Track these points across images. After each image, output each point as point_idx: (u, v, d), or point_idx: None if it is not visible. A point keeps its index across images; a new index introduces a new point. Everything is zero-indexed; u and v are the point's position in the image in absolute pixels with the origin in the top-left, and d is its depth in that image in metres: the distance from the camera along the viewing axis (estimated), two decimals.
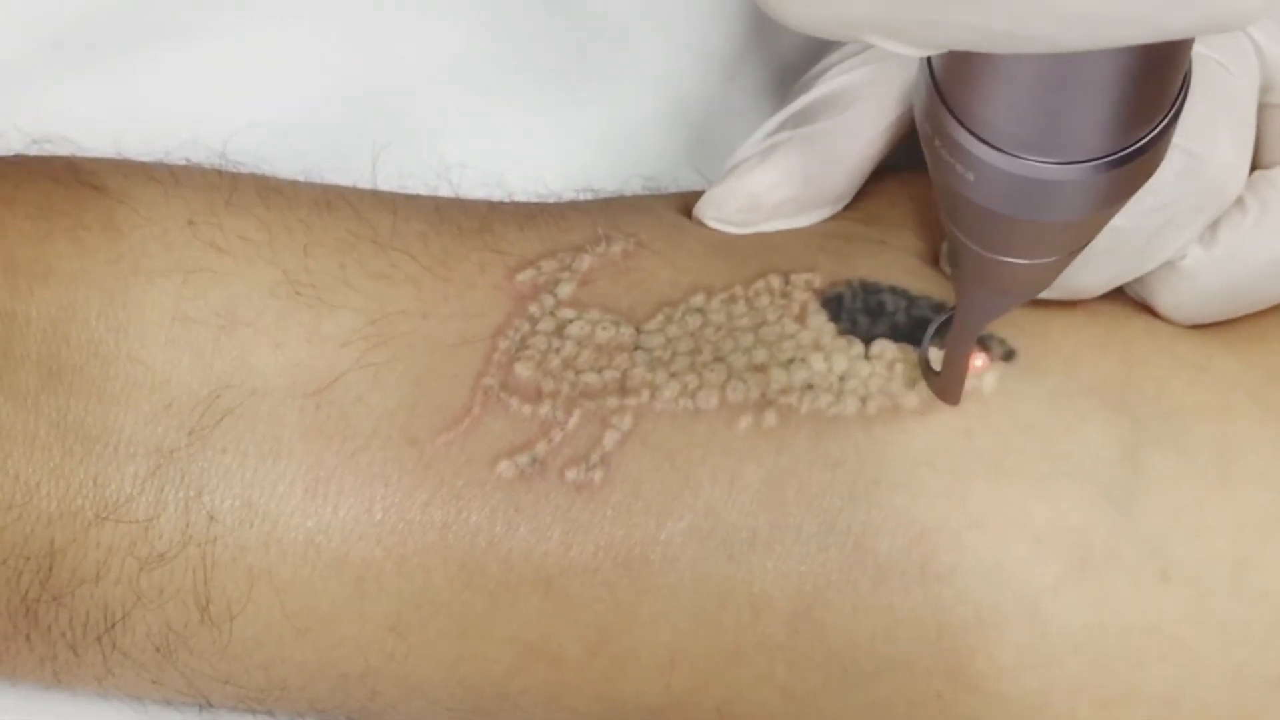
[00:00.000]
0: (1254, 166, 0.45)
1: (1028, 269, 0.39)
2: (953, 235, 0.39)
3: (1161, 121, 0.35)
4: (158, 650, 0.45)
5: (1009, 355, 0.45)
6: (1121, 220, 0.43)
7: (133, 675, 0.46)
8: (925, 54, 0.32)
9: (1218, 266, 0.44)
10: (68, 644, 0.45)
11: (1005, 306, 0.41)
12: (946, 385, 0.44)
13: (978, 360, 0.45)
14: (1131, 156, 0.35)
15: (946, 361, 0.44)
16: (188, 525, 0.44)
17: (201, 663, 0.45)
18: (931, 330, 0.44)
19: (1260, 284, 0.45)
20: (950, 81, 0.35)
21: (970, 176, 0.36)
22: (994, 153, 0.35)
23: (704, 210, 0.48)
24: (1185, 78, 0.35)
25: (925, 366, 0.44)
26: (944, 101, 0.35)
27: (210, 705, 0.47)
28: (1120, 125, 0.35)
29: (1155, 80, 0.34)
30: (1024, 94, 0.34)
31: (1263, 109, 0.45)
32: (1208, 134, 0.43)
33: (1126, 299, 0.46)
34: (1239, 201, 0.44)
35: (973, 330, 0.42)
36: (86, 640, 0.45)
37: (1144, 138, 0.35)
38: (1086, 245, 0.39)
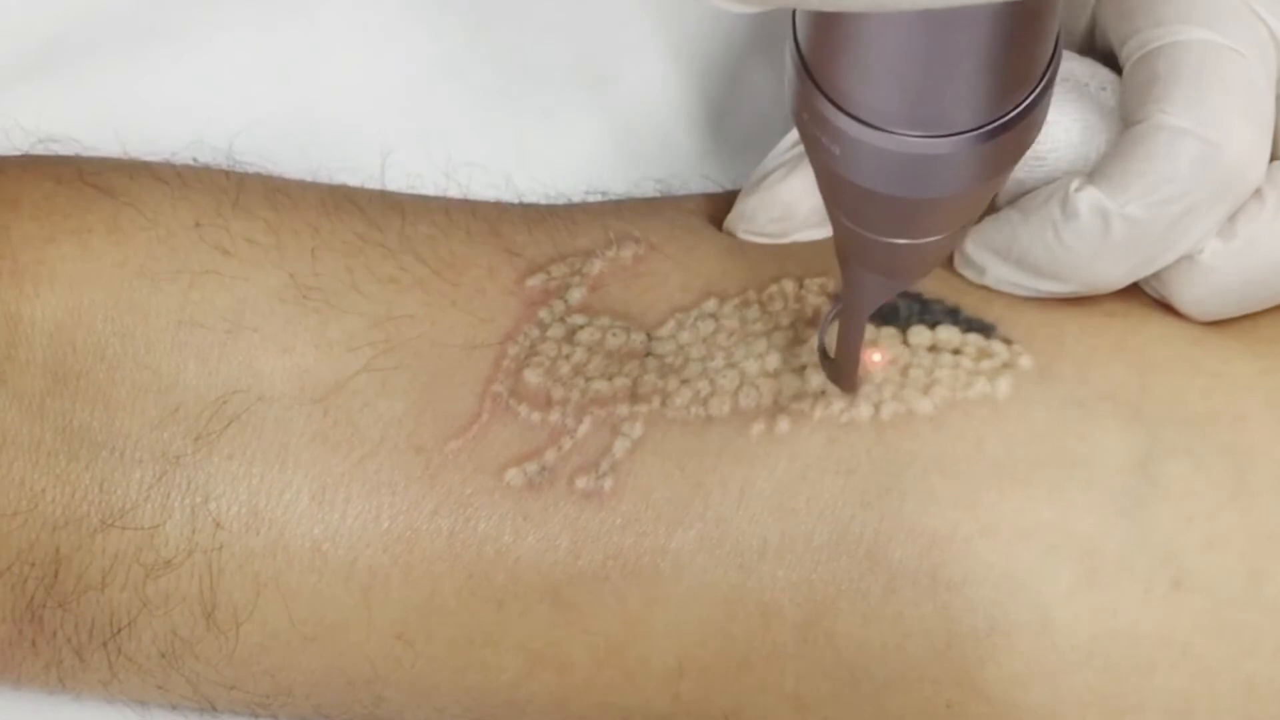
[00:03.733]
0: (1271, 157, 0.45)
1: (911, 249, 0.38)
2: (833, 217, 0.38)
3: (1033, 91, 0.34)
4: (163, 656, 0.45)
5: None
6: (1139, 211, 0.43)
7: (138, 680, 0.45)
8: (752, 9, 0.31)
9: (1236, 259, 0.44)
10: (73, 649, 0.45)
11: (894, 289, 0.40)
12: (840, 373, 0.44)
13: (875, 356, 0.45)
14: (1003, 128, 0.34)
15: (839, 348, 0.43)
16: (194, 532, 0.44)
17: (207, 669, 0.45)
18: (828, 317, 0.43)
19: (1278, 276, 0.45)
20: (817, 56, 0.34)
21: (837, 151, 0.35)
22: (863, 128, 0.34)
23: (735, 223, 0.48)
24: (1056, 43, 0.34)
25: (822, 354, 0.44)
26: (811, 77, 0.34)
27: (215, 710, 0.47)
28: (989, 96, 0.34)
29: (1021, 46, 0.33)
30: (888, 65, 0.33)
31: (1278, 99, 0.45)
32: (1224, 121, 0.43)
33: (1144, 299, 0.46)
34: (1257, 193, 0.44)
35: (861, 315, 0.41)
36: (92, 646, 0.45)
37: (1015, 109, 0.34)
38: (970, 224, 0.38)
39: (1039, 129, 0.35)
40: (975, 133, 0.34)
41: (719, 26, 0.54)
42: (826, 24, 0.33)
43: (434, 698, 0.46)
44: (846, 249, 0.39)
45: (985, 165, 0.35)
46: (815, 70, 0.34)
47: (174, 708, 0.47)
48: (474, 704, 0.46)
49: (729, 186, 0.51)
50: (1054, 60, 0.34)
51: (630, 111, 0.54)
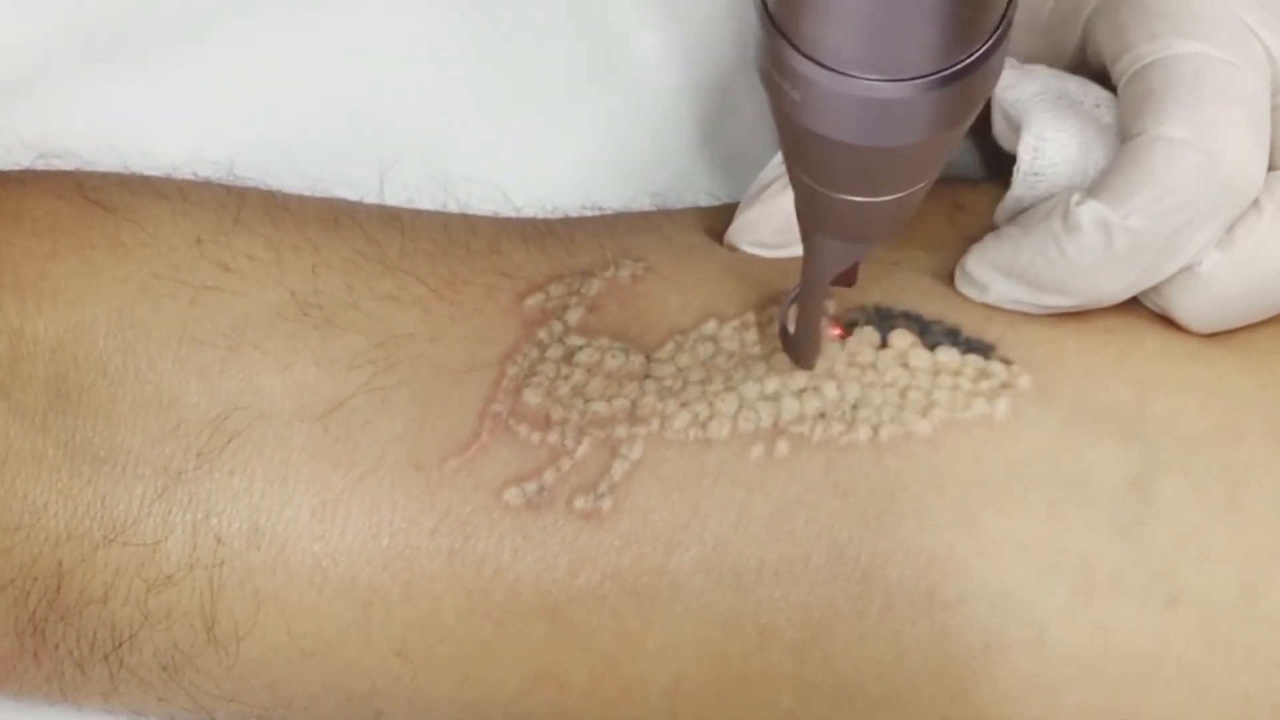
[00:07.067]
0: (1269, 168, 0.45)
1: (869, 208, 0.38)
2: (793, 175, 0.38)
3: (989, 39, 0.35)
4: (164, 669, 0.45)
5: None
6: (1141, 222, 0.43)
7: (139, 693, 0.46)
8: None
9: (1236, 269, 0.44)
10: (75, 662, 0.45)
11: (851, 255, 0.40)
12: (800, 348, 0.44)
13: (835, 331, 0.45)
14: (958, 75, 0.35)
15: (799, 322, 0.43)
16: (195, 548, 0.44)
17: (207, 682, 0.45)
18: (791, 296, 0.43)
19: (1278, 286, 0.45)
20: (780, 3, 0.35)
21: (797, 97, 0.35)
22: (824, 71, 0.35)
23: (737, 236, 0.48)
24: None
25: (783, 331, 0.44)
26: (775, 25, 0.35)
27: None
28: (947, 41, 0.35)
29: None
30: (848, 7, 0.34)
31: (1274, 110, 0.45)
32: (1222, 132, 0.43)
33: (1144, 314, 0.46)
34: (1255, 204, 0.44)
35: (821, 282, 0.42)
36: (93, 659, 0.45)
37: (971, 56, 0.35)
38: (925, 185, 0.38)
39: (993, 81, 0.36)
40: (931, 78, 0.35)
41: (713, 39, 0.54)
42: None
43: (432, 712, 0.46)
44: (807, 213, 0.39)
45: (940, 114, 0.35)
46: (779, 18, 0.35)
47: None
48: (472, 718, 0.46)
49: (725, 199, 0.51)
50: (1008, 12, 0.35)
51: (626, 126, 0.54)
